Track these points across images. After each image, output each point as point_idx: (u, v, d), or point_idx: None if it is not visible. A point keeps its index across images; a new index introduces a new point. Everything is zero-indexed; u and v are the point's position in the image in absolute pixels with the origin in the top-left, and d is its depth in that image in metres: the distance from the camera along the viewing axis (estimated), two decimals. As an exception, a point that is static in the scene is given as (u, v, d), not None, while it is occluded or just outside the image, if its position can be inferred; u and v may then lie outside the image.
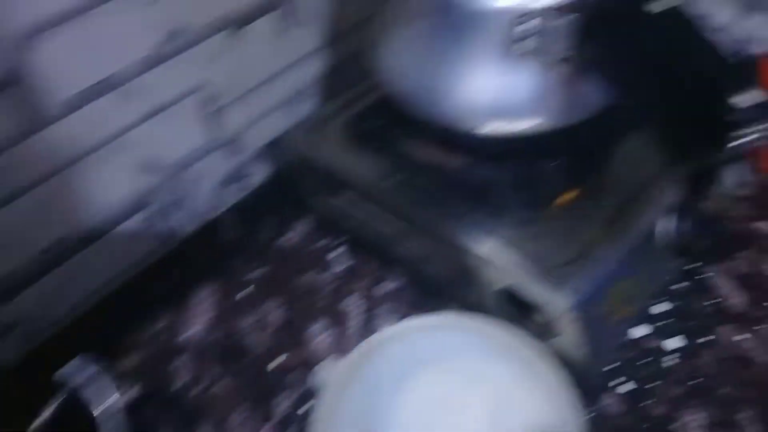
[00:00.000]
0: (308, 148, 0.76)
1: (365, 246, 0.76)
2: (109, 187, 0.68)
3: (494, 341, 0.58)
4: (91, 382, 0.42)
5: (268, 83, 0.80)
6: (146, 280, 0.74)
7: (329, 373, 0.56)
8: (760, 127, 0.40)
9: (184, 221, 0.78)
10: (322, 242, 0.78)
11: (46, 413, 0.44)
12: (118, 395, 0.42)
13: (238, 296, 0.72)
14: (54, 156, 0.62)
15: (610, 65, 0.51)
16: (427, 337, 0.60)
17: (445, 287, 0.69)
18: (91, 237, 0.69)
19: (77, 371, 0.42)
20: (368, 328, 0.68)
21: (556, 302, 0.56)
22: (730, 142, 0.41)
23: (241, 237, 0.80)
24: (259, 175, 0.85)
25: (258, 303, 0.72)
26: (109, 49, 0.63)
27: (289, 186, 0.83)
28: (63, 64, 0.59)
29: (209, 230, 0.80)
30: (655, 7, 0.47)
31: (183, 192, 0.76)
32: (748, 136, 0.40)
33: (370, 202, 0.71)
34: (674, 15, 0.47)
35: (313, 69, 0.86)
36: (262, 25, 0.76)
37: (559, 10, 0.54)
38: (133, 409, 0.50)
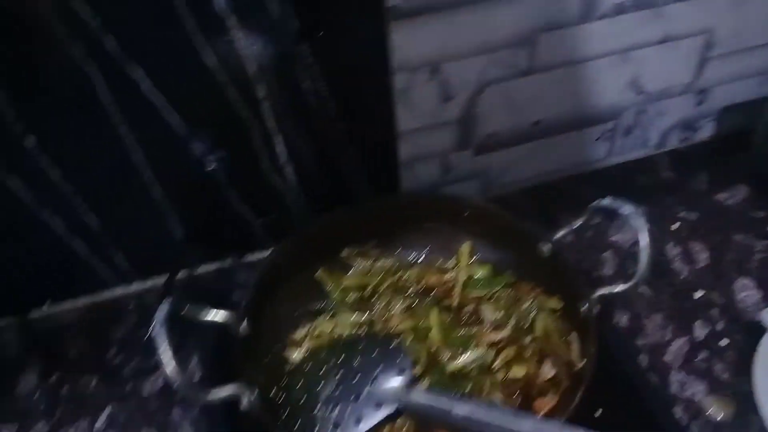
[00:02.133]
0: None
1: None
2: (600, 92, 0.77)
3: None
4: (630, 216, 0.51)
5: (764, 47, 0.80)
6: (578, 182, 0.83)
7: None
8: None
9: (633, 145, 0.85)
10: (760, 213, 0.78)
11: (573, 226, 0.56)
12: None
13: (671, 227, 0.77)
14: (577, 49, 0.72)
15: None
16: None
17: None
18: (569, 126, 0.79)
19: (613, 204, 0.51)
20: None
21: None
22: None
23: (676, 178, 0.84)
24: (708, 130, 0.87)
25: (685, 240, 0.76)
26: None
27: (734, 150, 0.84)
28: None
29: (649, 161, 0.86)
30: None
31: (644, 119, 0.82)
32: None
33: None
34: None
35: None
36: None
37: None
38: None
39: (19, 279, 0.71)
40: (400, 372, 0.51)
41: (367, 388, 0.51)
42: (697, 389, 0.62)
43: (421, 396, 0.50)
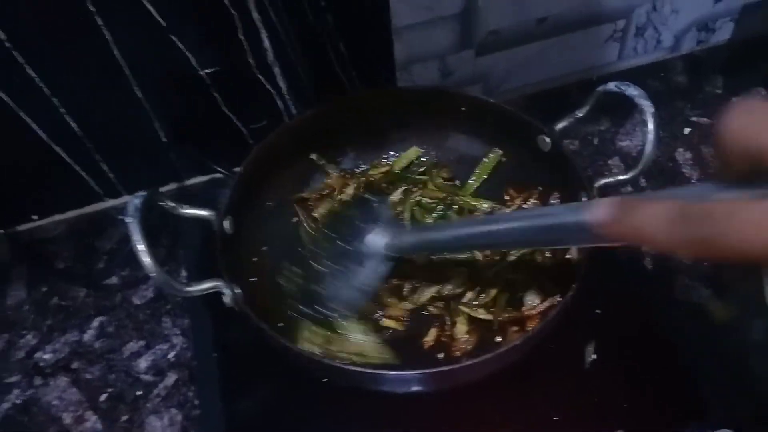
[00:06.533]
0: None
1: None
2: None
3: None
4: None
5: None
6: (586, 88, 0.77)
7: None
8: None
9: (645, 47, 0.80)
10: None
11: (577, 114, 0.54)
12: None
13: (683, 132, 0.73)
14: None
15: None
16: None
17: None
18: (577, 25, 0.74)
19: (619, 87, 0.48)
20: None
21: None
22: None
23: (690, 83, 0.79)
24: (725, 32, 0.82)
25: (697, 145, 0.72)
26: None
27: (753, 56, 0.80)
28: None
29: (662, 65, 0.81)
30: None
31: (658, 17, 0.77)
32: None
33: None
34: None
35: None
36: None
37: None
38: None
39: (4, 192, 0.69)
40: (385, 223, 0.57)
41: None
42: (702, 293, 0.60)
43: (408, 237, 0.56)
